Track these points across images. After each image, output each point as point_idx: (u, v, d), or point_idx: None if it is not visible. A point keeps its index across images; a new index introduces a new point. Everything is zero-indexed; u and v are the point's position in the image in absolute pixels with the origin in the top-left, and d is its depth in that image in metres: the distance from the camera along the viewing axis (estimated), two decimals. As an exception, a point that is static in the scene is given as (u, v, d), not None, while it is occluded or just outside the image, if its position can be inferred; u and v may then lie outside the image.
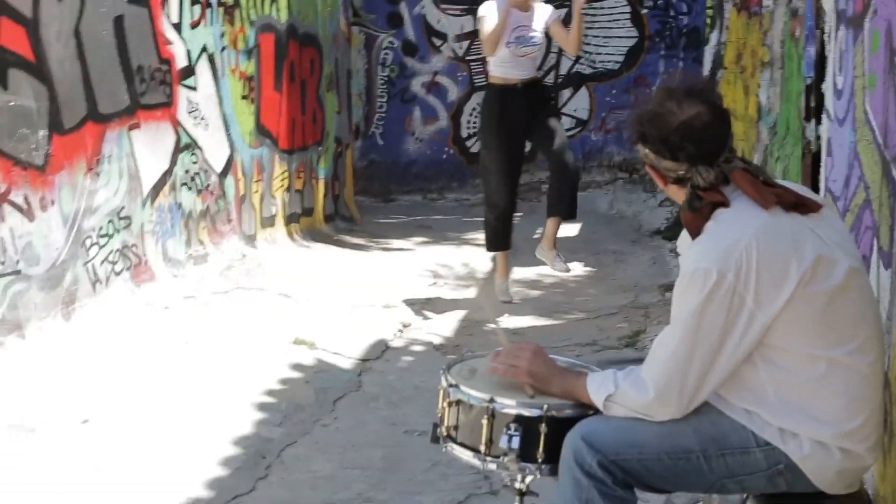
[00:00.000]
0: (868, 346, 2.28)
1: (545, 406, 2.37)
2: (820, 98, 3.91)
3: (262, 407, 4.40)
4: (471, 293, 6.74)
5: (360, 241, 8.23)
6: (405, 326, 5.89)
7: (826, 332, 2.23)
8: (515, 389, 2.47)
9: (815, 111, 4.18)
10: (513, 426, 2.37)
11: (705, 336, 2.21)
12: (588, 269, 7.41)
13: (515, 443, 2.35)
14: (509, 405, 2.40)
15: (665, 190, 2.40)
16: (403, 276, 6.96)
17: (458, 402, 2.47)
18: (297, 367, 4.93)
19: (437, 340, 5.66)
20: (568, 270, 6.44)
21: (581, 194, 6.58)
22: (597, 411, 2.37)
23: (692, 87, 2.34)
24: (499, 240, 6.37)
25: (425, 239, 8.45)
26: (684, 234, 2.41)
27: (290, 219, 7.76)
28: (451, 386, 2.49)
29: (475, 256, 7.73)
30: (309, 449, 4.06)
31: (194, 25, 6.03)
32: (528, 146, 6.46)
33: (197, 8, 6.05)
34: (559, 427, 2.35)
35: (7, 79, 4.34)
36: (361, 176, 10.53)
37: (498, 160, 6.13)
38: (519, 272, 7.14)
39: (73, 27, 4.83)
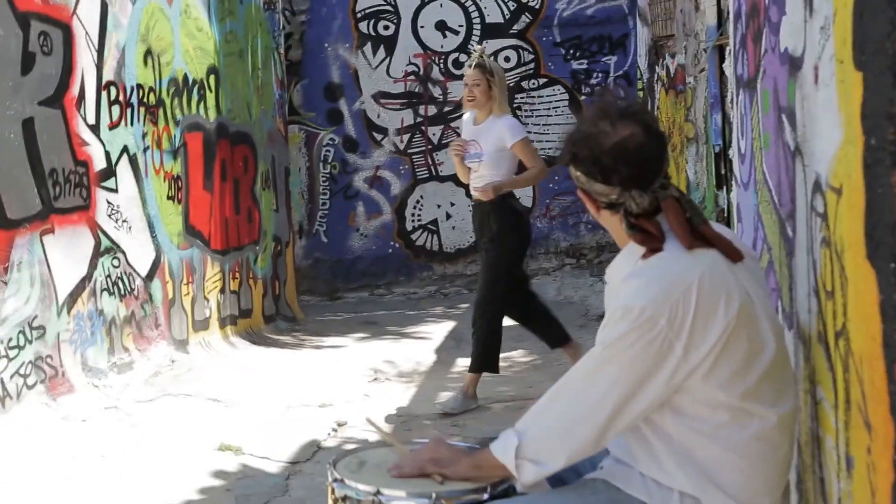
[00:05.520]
0: (786, 421, 2.12)
1: (433, 495, 2.19)
2: (731, 165, 3.83)
3: (177, 520, 4.15)
4: (413, 388, 6.54)
5: (300, 341, 8.02)
6: (340, 425, 5.65)
7: (740, 382, 2.06)
8: (407, 482, 2.28)
9: (726, 178, 4.09)
10: (402, 519, 2.18)
11: (626, 376, 2.04)
12: (533, 356, 7.24)
13: (406, 535, 2.16)
14: (397, 496, 2.21)
15: (597, 217, 2.22)
16: (343, 374, 6.75)
17: (346, 498, 2.28)
18: (219, 474, 4.68)
19: (372, 438, 5.43)
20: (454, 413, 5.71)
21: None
22: (493, 496, 2.19)
23: (627, 108, 2.16)
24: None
25: (368, 335, 8.26)
26: (615, 262, 2.24)
27: (226, 321, 7.52)
28: (335, 481, 2.30)
29: (418, 351, 7.55)
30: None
31: (113, 126, 5.88)
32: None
33: (116, 108, 5.90)
34: (451, 518, 2.17)
35: None
36: (307, 275, 10.35)
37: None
38: (462, 363, 6.97)
39: (-24, 131, 4.68)
